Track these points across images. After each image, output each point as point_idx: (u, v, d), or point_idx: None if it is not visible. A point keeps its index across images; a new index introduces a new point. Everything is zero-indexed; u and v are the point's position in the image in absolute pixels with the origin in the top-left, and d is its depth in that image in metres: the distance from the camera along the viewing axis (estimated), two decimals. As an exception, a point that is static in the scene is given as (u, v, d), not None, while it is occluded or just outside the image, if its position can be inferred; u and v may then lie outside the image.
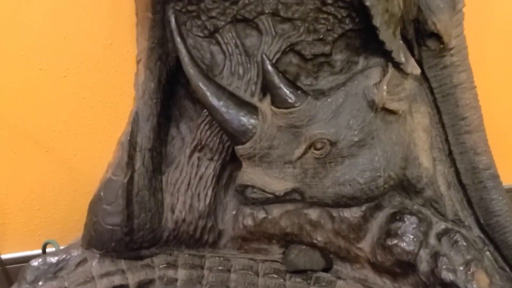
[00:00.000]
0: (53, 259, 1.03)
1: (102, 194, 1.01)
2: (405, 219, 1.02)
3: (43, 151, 1.25)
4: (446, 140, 1.09)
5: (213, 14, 0.95)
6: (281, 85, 0.91)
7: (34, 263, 1.03)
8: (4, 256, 1.30)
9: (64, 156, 1.27)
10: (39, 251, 1.17)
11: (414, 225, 1.01)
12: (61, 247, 1.11)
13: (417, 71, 1.01)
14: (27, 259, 1.07)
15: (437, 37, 1.00)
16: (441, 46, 1.01)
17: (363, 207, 1.01)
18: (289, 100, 0.91)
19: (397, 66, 0.97)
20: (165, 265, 1.06)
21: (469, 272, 0.97)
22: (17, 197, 1.27)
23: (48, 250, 1.14)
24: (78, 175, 1.30)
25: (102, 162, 1.09)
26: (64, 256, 1.04)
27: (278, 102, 0.92)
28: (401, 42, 1.00)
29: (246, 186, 0.97)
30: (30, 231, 1.31)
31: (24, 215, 1.29)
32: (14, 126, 1.21)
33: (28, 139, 1.23)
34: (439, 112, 1.08)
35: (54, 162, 1.27)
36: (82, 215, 1.17)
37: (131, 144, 1.00)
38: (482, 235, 1.10)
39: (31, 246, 1.31)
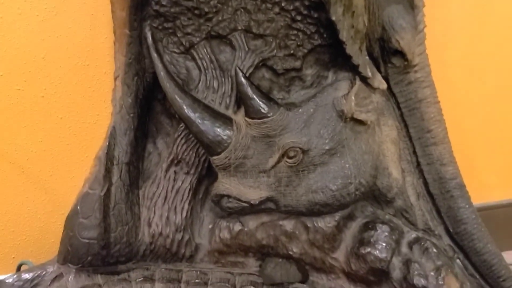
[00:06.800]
0: (28, 276, 1.03)
1: (78, 208, 1.02)
2: (377, 227, 1.04)
3: (18, 171, 1.24)
4: (414, 152, 1.13)
5: (189, 30, 0.99)
6: (254, 96, 0.95)
7: (9, 279, 1.02)
8: (-24, 280, 1.28)
9: (40, 177, 1.27)
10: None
11: (386, 233, 1.04)
12: (36, 266, 1.10)
13: (384, 86, 1.06)
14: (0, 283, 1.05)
15: (401, 54, 1.06)
16: (405, 63, 1.07)
17: (337, 217, 1.04)
18: (262, 110, 0.95)
19: (365, 80, 1.02)
20: (141, 279, 1.05)
21: (440, 277, 1.00)
22: (-9, 218, 1.26)
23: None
24: (53, 195, 1.29)
25: (78, 182, 1.09)
26: (39, 272, 1.04)
27: (252, 112, 0.95)
28: (367, 58, 1.05)
29: (222, 196, 0.99)
30: (4, 254, 1.29)
31: (-3, 237, 1.28)
32: (-10, 147, 1.22)
33: (4, 159, 1.22)
34: (406, 125, 1.13)
35: (30, 182, 1.26)
36: (57, 237, 1.16)
37: (108, 158, 1.02)
38: (452, 244, 1.13)
39: (4, 269, 1.27)
